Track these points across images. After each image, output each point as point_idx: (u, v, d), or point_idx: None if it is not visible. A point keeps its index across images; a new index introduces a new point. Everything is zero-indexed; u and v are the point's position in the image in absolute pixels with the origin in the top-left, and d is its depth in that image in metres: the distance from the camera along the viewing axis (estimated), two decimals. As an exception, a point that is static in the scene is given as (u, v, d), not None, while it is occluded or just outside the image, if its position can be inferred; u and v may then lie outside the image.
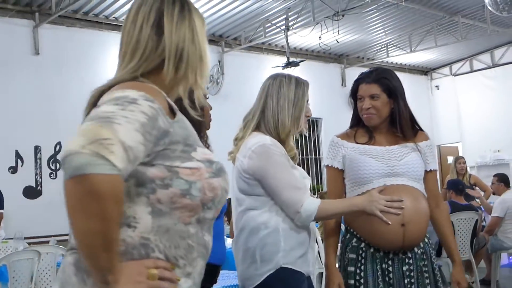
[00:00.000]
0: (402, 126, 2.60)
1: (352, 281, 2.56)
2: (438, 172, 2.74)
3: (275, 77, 2.55)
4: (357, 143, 2.63)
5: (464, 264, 6.60)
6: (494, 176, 7.28)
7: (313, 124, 11.93)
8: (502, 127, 12.45)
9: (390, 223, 2.41)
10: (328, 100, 11.51)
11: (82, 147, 1.20)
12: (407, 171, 2.53)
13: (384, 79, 2.61)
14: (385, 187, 2.48)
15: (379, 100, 2.59)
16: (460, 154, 11.96)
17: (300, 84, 2.54)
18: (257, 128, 2.48)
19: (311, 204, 2.32)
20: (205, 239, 1.45)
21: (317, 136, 12.04)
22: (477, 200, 7.70)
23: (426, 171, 2.64)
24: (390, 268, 2.52)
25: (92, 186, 1.18)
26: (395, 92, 2.59)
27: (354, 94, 2.68)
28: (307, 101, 2.56)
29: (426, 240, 2.58)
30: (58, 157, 8.54)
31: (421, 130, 2.70)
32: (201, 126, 2.36)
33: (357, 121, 2.70)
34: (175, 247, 1.38)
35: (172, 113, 1.44)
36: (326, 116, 11.59)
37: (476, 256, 6.72)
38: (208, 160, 1.43)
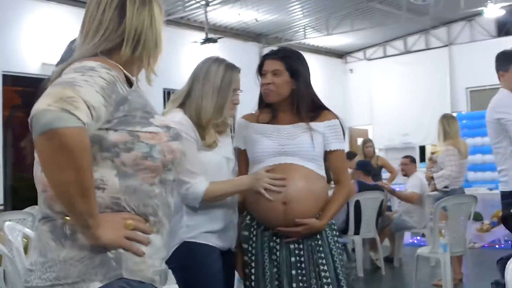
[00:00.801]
0: (298, 106, 2.61)
1: (246, 258, 2.62)
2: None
3: (206, 61, 2.56)
4: (259, 122, 2.67)
5: (369, 242, 6.93)
6: (406, 157, 7.44)
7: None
8: (411, 112, 12.87)
9: (272, 199, 2.47)
10: (245, 78, 11.53)
11: (48, 105, 1.27)
12: (298, 151, 2.54)
13: (288, 58, 2.64)
14: (273, 166, 2.53)
15: (280, 78, 2.60)
16: (370, 136, 12.07)
17: (229, 71, 2.53)
18: (181, 106, 2.50)
19: (198, 187, 2.39)
20: (168, 200, 1.57)
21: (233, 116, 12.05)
22: (385, 180, 8.01)
23: (327, 151, 2.63)
24: (278, 247, 2.55)
25: (61, 139, 1.27)
26: (297, 72, 2.61)
27: (260, 70, 2.70)
28: (237, 89, 2.56)
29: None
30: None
31: (327, 109, 2.68)
32: None
33: (262, 100, 2.72)
34: (144, 205, 1.49)
35: (129, 84, 1.53)
36: (242, 95, 11.64)
37: (380, 235, 6.99)
38: (166, 126, 1.55)
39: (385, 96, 13.53)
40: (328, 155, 2.65)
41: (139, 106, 1.50)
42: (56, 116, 1.27)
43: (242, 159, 2.72)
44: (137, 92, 1.53)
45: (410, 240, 8.56)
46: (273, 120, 2.66)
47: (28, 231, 3.60)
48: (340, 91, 13.83)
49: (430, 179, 6.44)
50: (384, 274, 6.55)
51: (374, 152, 8.40)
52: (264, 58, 2.70)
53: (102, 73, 1.42)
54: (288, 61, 2.63)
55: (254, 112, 2.75)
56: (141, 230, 1.47)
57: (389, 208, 7.98)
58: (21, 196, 8.53)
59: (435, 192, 6.46)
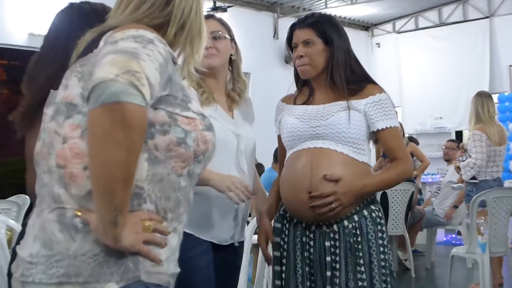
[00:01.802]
0: (333, 78, 2.59)
1: (277, 253, 2.64)
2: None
3: None
4: (295, 104, 2.69)
5: (398, 240, 6.91)
6: (452, 141, 7.37)
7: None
8: (446, 93, 12.76)
9: (237, 201, 2.45)
10: (258, 53, 11.52)
11: (116, 75, 1.33)
12: (331, 133, 2.53)
13: (319, 23, 2.62)
14: (300, 152, 2.55)
15: (313, 47, 2.60)
16: (399, 119, 12.14)
17: None
18: None
19: None
20: (190, 195, 1.60)
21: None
22: (415, 172, 7.97)
23: (375, 132, 2.58)
24: (311, 243, 2.55)
25: (125, 114, 1.32)
26: (331, 38, 2.60)
27: (290, 44, 2.70)
28: (211, 34, 2.60)
29: (367, 213, 2.55)
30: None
31: (372, 82, 2.65)
32: None
33: (298, 77, 2.73)
34: (165, 198, 1.52)
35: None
36: (255, 71, 11.62)
37: (410, 232, 6.98)
38: (201, 114, 1.59)
39: (416, 74, 13.42)
40: (377, 136, 2.61)
41: (180, 87, 1.56)
42: (124, 89, 1.32)
43: (281, 145, 2.76)
44: (177, 72, 1.60)
45: (444, 238, 8.55)
46: (310, 100, 2.66)
47: (12, 222, 3.58)
48: (365, 67, 13.62)
49: (458, 169, 6.35)
50: (414, 277, 6.53)
51: (403, 137, 8.37)
52: (292, 29, 2.69)
53: (160, 48, 1.47)
54: (320, 26, 2.62)
55: (293, 92, 2.77)
56: (159, 231, 1.50)
57: (420, 202, 7.94)
58: (4, 183, 8.54)
59: (459, 184, 6.40)
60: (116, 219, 1.39)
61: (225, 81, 2.73)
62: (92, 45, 1.57)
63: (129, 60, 1.37)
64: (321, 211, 2.46)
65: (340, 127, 2.53)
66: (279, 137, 2.75)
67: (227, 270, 2.64)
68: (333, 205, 2.45)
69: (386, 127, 2.58)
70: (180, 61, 1.68)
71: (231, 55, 2.72)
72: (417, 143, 8.38)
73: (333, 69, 2.59)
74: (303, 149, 2.57)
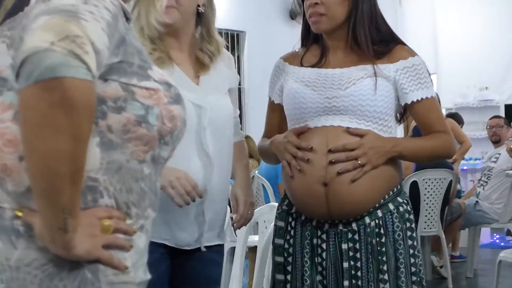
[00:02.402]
0: (356, 35, 2.59)
1: (280, 259, 2.64)
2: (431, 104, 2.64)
3: None
4: (303, 65, 2.67)
5: (431, 241, 6.90)
6: (498, 117, 7.31)
7: (232, 40, 11.90)
8: (493, 57, 12.75)
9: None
10: (253, 7, 11.50)
11: (51, 44, 1.28)
12: (352, 106, 2.51)
13: None
14: (312, 130, 2.53)
15: None
16: (434, 90, 12.10)
17: None
18: None
19: None
20: (157, 185, 1.60)
21: (238, 56, 12.08)
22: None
23: (408, 104, 2.60)
24: (324, 245, 2.55)
25: (66, 93, 1.27)
26: None
27: None
28: None
29: (392, 207, 2.56)
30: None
31: (401, 43, 2.66)
32: None
33: (307, 33, 2.72)
34: (127, 191, 1.52)
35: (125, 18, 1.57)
36: (251, 29, 11.59)
37: (448, 231, 6.97)
38: (166, 82, 1.57)
39: (456, 34, 13.41)
40: (411, 110, 2.62)
41: (135, 50, 1.54)
42: (63, 60, 1.28)
43: (275, 116, 2.75)
44: (132, 32, 1.58)
45: (490, 240, 8.56)
46: (322, 62, 2.64)
47: None
48: (391, 25, 13.62)
49: (511, 151, 6.33)
50: (452, 288, 6.54)
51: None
52: None
53: (107, 1, 1.44)
54: None
55: (298, 50, 2.75)
56: (122, 231, 1.50)
57: (459, 194, 7.93)
58: None
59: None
60: (66, 223, 1.36)
61: (190, 39, 2.68)
62: (23, 1, 1.53)
63: (67, 21, 1.33)
64: (344, 167, 2.45)
65: (364, 98, 2.52)
66: (273, 105, 2.74)
67: (191, 282, 2.64)
68: (359, 162, 2.45)
69: (422, 98, 2.59)
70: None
71: (198, 6, 2.64)
72: (461, 122, 8.31)
73: (356, 23, 2.58)
74: (315, 127, 2.54)
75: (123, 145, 1.50)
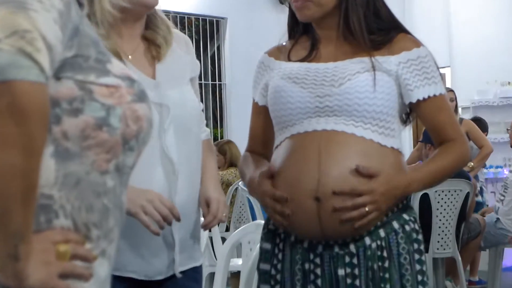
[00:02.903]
0: (348, 23, 2.59)
1: (266, 287, 2.63)
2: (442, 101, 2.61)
3: None
4: (290, 60, 2.68)
5: (446, 263, 6.91)
6: None
7: (212, 28, 11.93)
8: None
9: (156, 232, 2.45)
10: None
11: None
12: (347, 105, 2.50)
13: None
14: (302, 136, 2.52)
15: None
16: (448, 85, 12.06)
17: None
18: None
19: None
20: (122, 199, 1.59)
21: (218, 47, 12.11)
22: (470, 164, 7.96)
23: (413, 104, 2.59)
24: (318, 271, 2.54)
25: (16, 98, 1.28)
26: None
27: None
28: None
29: (397, 225, 2.54)
30: None
31: (404, 31, 2.65)
32: None
33: (295, 23, 2.72)
34: (87, 209, 1.50)
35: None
36: (232, 15, 11.59)
37: (465, 252, 6.98)
38: (128, 77, 1.56)
39: (473, 21, 13.40)
40: (416, 111, 2.62)
41: (91, 41, 1.54)
42: (11, 60, 1.28)
43: (260, 121, 2.76)
44: (86, 20, 1.59)
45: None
46: (312, 56, 2.66)
47: None
48: (397, 12, 13.53)
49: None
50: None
51: (457, 109, 8.34)
52: None
53: None
54: None
55: (285, 43, 2.76)
56: (81, 257, 1.49)
57: (478, 207, 7.95)
58: None
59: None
60: (17, 250, 1.36)
61: (142, 24, 2.67)
62: None
63: (13, 13, 1.33)
64: (348, 216, 2.43)
65: (361, 97, 2.51)
66: (257, 107, 2.75)
67: None
68: (366, 209, 2.42)
69: (429, 96, 2.58)
70: None
71: None
72: (485, 130, 8.31)
73: (348, 8, 2.58)
74: (305, 132, 2.53)
75: (82, 154, 1.49)
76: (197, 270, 2.70)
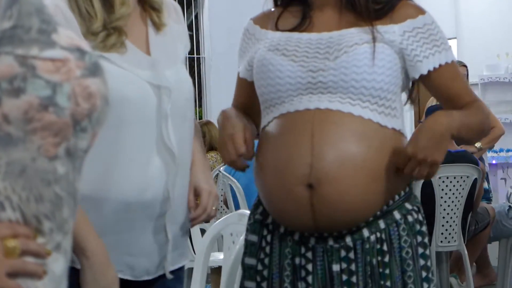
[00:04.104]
0: None
1: (251, 284, 2.65)
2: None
3: None
4: (278, 30, 2.68)
5: (451, 258, 6.94)
6: None
7: (189, -3, 11.95)
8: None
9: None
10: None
11: None
12: (342, 81, 2.51)
13: None
14: (292, 116, 2.54)
15: None
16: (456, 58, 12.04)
17: None
18: None
19: None
20: (75, 186, 1.57)
21: (196, 16, 12.08)
22: (478, 144, 7.99)
23: (425, 75, 2.61)
24: (310, 266, 2.56)
25: None
26: None
27: None
28: None
29: (399, 215, 2.57)
30: None
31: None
32: None
33: None
34: (36, 199, 1.48)
35: None
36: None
37: (472, 246, 7.01)
38: (78, 48, 1.53)
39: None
40: (427, 82, 2.64)
41: (34, 10, 1.52)
42: None
43: (243, 96, 2.78)
44: None
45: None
46: (304, 25, 2.66)
47: None
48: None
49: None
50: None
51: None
52: None
53: None
54: None
55: (273, 10, 2.76)
56: (32, 253, 1.49)
57: (487, 195, 7.98)
58: None
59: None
60: None
61: None
62: None
63: None
64: (418, 176, 2.50)
65: (359, 71, 2.52)
66: (241, 81, 2.76)
67: None
68: (423, 174, 2.48)
69: (440, 65, 2.61)
70: None
71: None
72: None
73: None
74: (296, 111, 2.54)
75: (26, 138, 1.47)
76: (182, 269, 2.71)
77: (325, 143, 2.48)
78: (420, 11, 2.63)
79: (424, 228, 2.61)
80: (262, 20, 2.75)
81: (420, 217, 2.61)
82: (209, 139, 8.49)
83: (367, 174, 2.50)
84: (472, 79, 12.27)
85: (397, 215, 2.56)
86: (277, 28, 2.68)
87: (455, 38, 13.77)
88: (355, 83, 2.51)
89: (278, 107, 2.58)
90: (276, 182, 2.53)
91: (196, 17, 12.06)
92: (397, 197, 2.57)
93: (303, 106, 2.53)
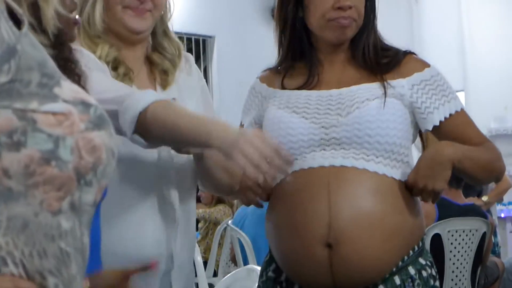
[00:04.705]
0: (357, 44, 2.65)
1: None
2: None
3: None
4: (284, 88, 2.69)
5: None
6: None
7: (198, 48, 11.99)
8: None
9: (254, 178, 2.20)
10: (227, 4, 11.55)
11: None
12: (356, 137, 2.52)
13: None
14: (306, 172, 2.53)
15: None
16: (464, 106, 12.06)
17: None
18: None
19: (144, 96, 2.35)
20: (84, 241, 1.54)
21: (205, 68, 12.12)
22: (484, 198, 7.99)
23: (435, 128, 2.63)
24: None
25: None
26: None
27: None
28: None
29: (414, 271, 2.56)
30: None
31: (409, 53, 2.72)
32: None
33: (298, 45, 2.72)
34: (39, 255, 1.45)
35: (16, 24, 1.52)
36: (220, 33, 11.63)
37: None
38: (82, 101, 1.51)
39: (489, 40, 13.52)
40: (438, 133, 2.65)
41: (35, 64, 1.50)
42: None
43: None
44: (29, 39, 1.53)
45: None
46: (312, 83, 2.66)
47: None
48: (405, 27, 13.79)
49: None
50: None
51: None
52: None
53: None
54: None
55: (278, 66, 2.77)
56: None
57: (496, 249, 7.96)
58: None
59: None
60: None
61: (146, 48, 2.68)
62: None
63: None
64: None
65: (372, 127, 2.54)
66: None
67: None
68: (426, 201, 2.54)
69: (451, 114, 2.64)
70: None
71: None
72: None
73: (369, 30, 2.66)
74: (310, 168, 2.55)
75: (28, 193, 1.45)
76: None
77: (342, 201, 2.48)
78: (425, 64, 2.68)
79: (437, 283, 2.62)
80: (269, 79, 2.77)
81: (433, 272, 2.62)
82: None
83: (383, 232, 2.49)
84: (481, 130, 12.27)
85: (411, 270, 2.55)
86: (284, 87, 2.70)
87: (462, 90, 13.82)
88: (369, 138, 2.52)
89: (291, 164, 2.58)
90: (294, 242, 2.52)
91: (205, 70, 12.07)
92: (411, 252, 2.57)
93: (317, 163, 2.54)
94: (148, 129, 2.25)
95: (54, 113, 1.46)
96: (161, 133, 2.29)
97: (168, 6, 2.71)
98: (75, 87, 1.57)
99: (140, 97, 2.28)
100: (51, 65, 1.55)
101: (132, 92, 2.34)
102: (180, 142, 2.33)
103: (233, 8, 11.66)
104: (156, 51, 2.68)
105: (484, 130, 10.84)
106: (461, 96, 13.70)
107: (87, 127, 1.50)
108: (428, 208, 2.77)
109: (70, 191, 1.49)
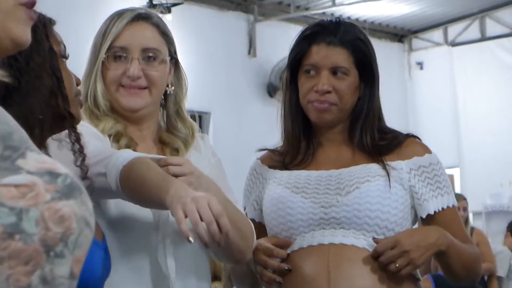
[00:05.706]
0: (355, 129, 2.65)
1: None
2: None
3: None
4: (286, 168, 2.70)
5: None
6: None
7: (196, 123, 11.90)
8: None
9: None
10: (223, 80, 11.61)
11: None
12: (355, 217, 2.54)
13: (358, 43, 2.68)
14: (304, 251, 2.53)
15: (346, 80, 2.64)
16: (457, 190, 12.10)
17: (109, 20, 2.62)
18: None
19: (124, 154, 2.39)
20: None
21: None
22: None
23: (428, 216, 2.62)
24: None
25: None
26: (371, 68, 2.67)
27: (298, 63, 2.71)
28: (123, 49, 2.59)
29: None
30: None
31: (414, 136, 2.72)
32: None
33: (304, 127, 2.72)
34: None
35: None
36: (217, 110, 11.65)
37: None
38: (49, 172, 1.48)
39: (484, 114, 13.53)
40: (428, 221, 2.64)
41: None
42: None
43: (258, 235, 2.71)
44: None
45: None
46: (311, 162, 2.68)
47: None
48: (399, 102, 13.85)
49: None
50: None
51: (467, 219, 8.35)
52: (310, 40, 2.70)
53: None
54: (359, 46, 2.68)
55: (278, 149, 2.77)
56: None
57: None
58: None
59: None
60: None
61: (156, 125, 2.69)
62: None
63: None
64: (390, 267, 2.47)
65: (372, 208, 2.55)
66: (254, 223, 2.66)
67: None
68: (397, 265, 2.46)
69: (443, 208, 2.64)
70: None
71: (167, 85, 2.67)
72: None
73: (367, 115, 2.65)
74: (309, 246, 2.55)
75: None
76: None
77: (342, 281, 2.49)
78: (427, 150, 2.69)
79: None
80: (269, 160, 2.77)
81: None
82: (213, 267, 8.38)
83: None
84: (476, 208, 12.25)
85: None
86: (283, 167, 2.70)
87: (457, 167, 13.79)
88: (369, 220, 2.53)
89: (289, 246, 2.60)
90: None
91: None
92: None
93: (316, 241, 2.54)
94: (127, 184, 2.27)
95: (16, 185, 1.44)
96: (133, 187, 2.30)
97: (183, 85, 2.75)
98: (43, 157, 1.54)
99: (121, 154, 2.32)
100: (18, 137, 1.53)
101: (116, 151, 2.37)
102: (145, 195, 2.30)
103: (229, 84, 11.72)
104: (168, 131, 2.69)
105: (479, 207, 10.96)
106: (456, 172, 13.74)
107: (53, 197, 1.46)
108: (426, 285, 2.75)
109: (39, 265, 1.45)
